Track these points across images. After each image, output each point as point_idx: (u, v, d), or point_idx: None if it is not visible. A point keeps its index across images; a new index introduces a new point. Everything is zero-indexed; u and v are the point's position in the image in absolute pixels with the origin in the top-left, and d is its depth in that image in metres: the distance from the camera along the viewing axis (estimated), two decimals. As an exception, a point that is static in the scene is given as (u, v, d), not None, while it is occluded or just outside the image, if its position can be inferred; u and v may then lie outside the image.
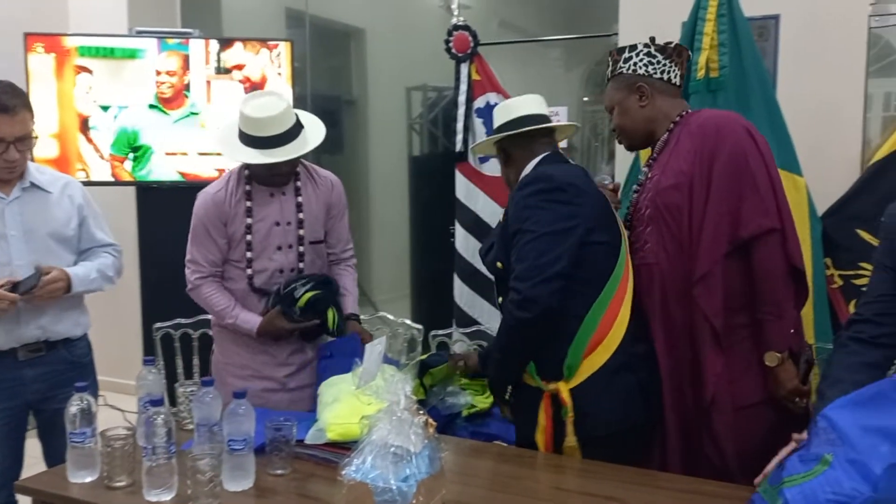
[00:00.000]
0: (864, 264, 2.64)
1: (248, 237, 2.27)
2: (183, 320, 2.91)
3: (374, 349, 1.70)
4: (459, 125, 3.27)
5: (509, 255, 1.89)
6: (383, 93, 5.53)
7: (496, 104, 3.23)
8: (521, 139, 2.03)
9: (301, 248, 2.32)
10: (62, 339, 2.30)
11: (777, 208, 1.87)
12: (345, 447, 1.71)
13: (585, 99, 4.32)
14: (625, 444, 1.89)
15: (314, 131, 2.25)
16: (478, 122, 3.28)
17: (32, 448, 2.36)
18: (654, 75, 2.04)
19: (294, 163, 2.24)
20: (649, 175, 2.04)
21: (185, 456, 1.62)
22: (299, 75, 4.98)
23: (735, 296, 1.89)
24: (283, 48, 3.63)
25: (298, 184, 2.33)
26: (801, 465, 1.39)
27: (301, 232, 2.31)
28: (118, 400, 3.75)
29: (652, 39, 2.06)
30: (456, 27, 3.27)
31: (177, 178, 3.61)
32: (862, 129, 3.02)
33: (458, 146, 3.28)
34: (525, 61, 4.52)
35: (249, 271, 2.29)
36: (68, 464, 1.72)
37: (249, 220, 2.27)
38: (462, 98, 3.26)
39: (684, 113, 2.04)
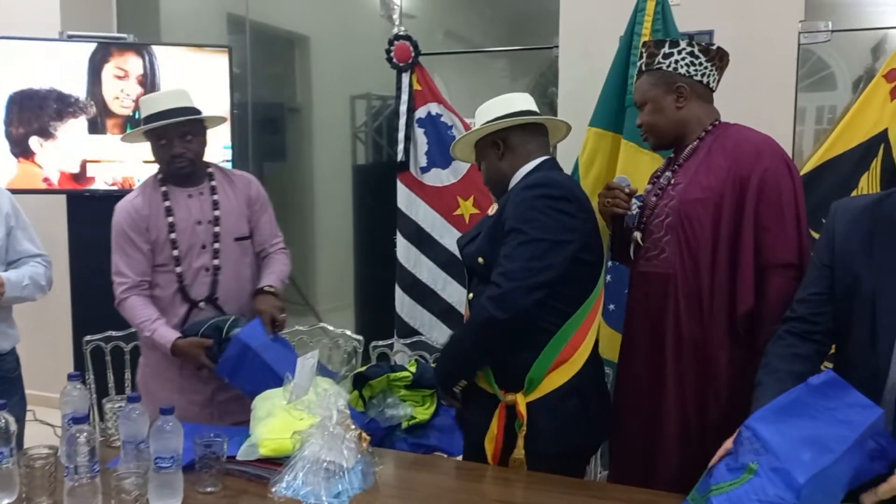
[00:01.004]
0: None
1: (173, 235, 2.27)
2: (114, 333, 2.83)
3: (306, 363, 1.68)
4: (400, 135, 3.26)
5: (495, 250, 1.83)
6: (327, 101, 5.48)
7: (438, 114, 3.27)
8: (526, 133, 1.94)
9: (216, 246, 2.31)
10: None
11: (798, 244, 1.86)
12: (278, 463, 1.68)
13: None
14: (569, 462, 1.89)
15: (212, 115, 2.30)
16: (419, 132, 3.27)
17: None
18: (695, 77, 1.98)
19: (196, 147, 2.26)
20: (672, 181, 1.99)
21: (111, 475, 1.56)
22: (240, 82, 4.92)
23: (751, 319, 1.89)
24: (222, 54, 3.56)
25: (214, 183, 2.35)
26: (728, 473, 1.42)
27: (217, 229, 2.31)
28: (49, 415, 3.62)
29: (692, 39, 2.01)
30: (397, 37, 3.26)
31: (109, 186, 3.51)
32: (793, 142, 3.10)
33: (400, 156, 3.27)
34: (472, 72, 4.54)
35: (179, 269, 2.27)
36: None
37: (171, 219, 2.27)
38: (403, 108, 3.25)
39: (717, 122, 2.00)
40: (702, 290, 1.90)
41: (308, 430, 1.50)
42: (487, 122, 1.95)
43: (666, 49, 1.98)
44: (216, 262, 2.31)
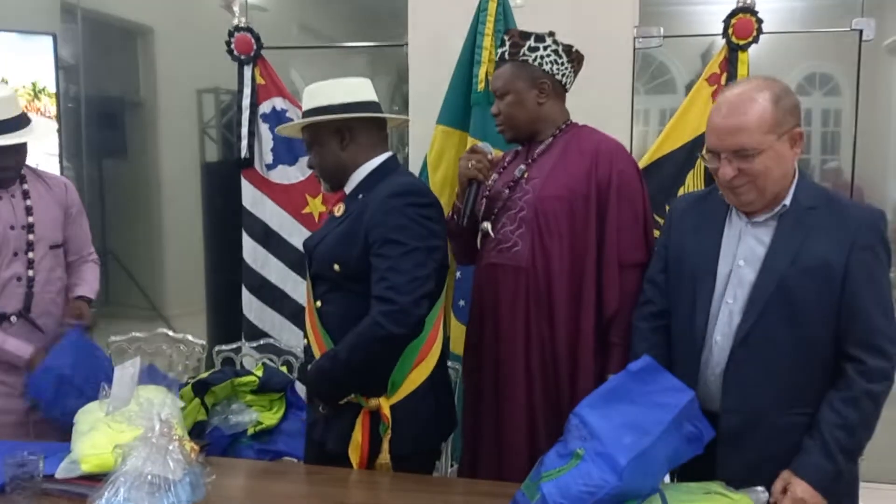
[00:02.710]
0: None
1: None
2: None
3: (125, 372, 1.57)
4: (244, 130, 3.14)
5: (351, 258, 1.78)
6: (172, 95, 5.23)
7: (283, 109, 3.18)
8: (372, 126, 1.88)
9: (30, 255, 2.15)
10: None
11: (646, 243, 1.96)
12: (102, 479, 1.56)
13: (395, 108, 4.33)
14: (426, 460, 1.90)
15: (43, 126, 2.20)
16: (264, 128, 3.17)
17: None
18: (556, 75, 2.01)
19: (22, 157, 2.12)
20: (526, 175, 2.01)
21: None
22: (73, 73, 4.59)
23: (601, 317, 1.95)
24: (47, 42, 3.30)
25: (26, 186, 2.19)
26: (558, 459, 1.47)
27: (31, 237, 2.15)
28: None
29: (552, 34, 2.03)
30: (237, 28, 3.15)
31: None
32: (630, 142, 3.26)
33: (244, 152, 3.15)
34: (330, 68, 4.46)
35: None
36: None
37: None
38: (246, 102, 3.13)
39: (568, 122, 2.06)
40: (552, 286, 1.95)
41: (130, 444, 1.41)
42: (330, 105, 1.84)
43: (532, 42, 2.01)
44: (30, 272, 2.14)
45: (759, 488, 1.50)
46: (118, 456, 1.43)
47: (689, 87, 3.24)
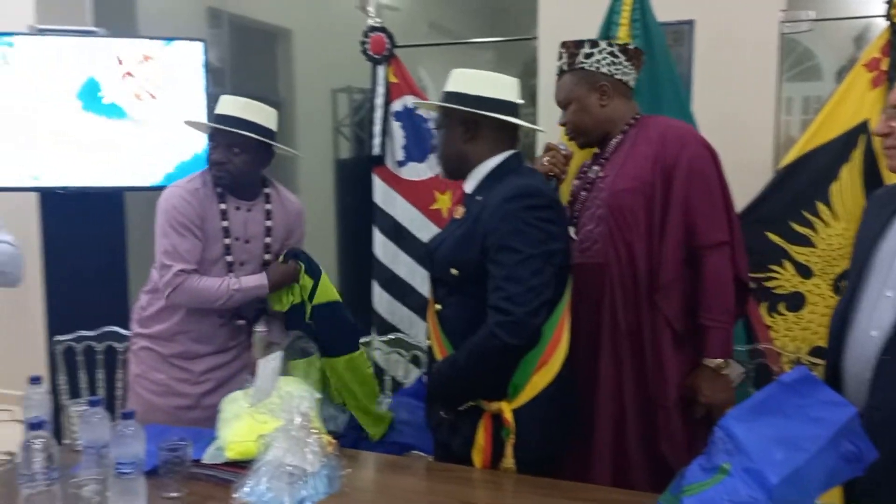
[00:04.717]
0: (774, 266, 2.69)
1: (227, 241, 2.21)
2: (86, 333, 2.77)
3: (268, 365, 1.63)
4: (376, 128, 3.21)
5: (468, 261, 1.76)
6: (309, 94, 5.43)
7: (414, 107, 3.22)
8: (501, 125, 1.83)
9: (251, 266, 2.26)
10: None
11: (728, 222, 1.95)
12: (244, 467, 1.63)
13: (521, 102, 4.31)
14: (552, 465, 1.85)
15: (269, 139, 2.20)
16: (396, 126, 3.22)
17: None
18: (616, 75, 2.05)
19: (237, 154, 2.16)
20: (601, 174, 2.05)
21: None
22: (220, 77, 4.85)
23: (689, 301, 1.96)
24: (197, 47, 3.49)
25: (269, 207, 2.28)
26: (701, 473, 1.40)
27: (256, 253, 2.27)
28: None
29: (611, 41, 2.07)
30: (372, 28, 3.21)
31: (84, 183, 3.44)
32: (773, 134, 3.08)
33: (376, 150, 3.22)
34: (458, 64, 4.49)
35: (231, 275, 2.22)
36: (-60, 493, 1.60)
37: (226, 224, 2.21)
38: (379, 101, 3.20)
39: (638, 115, 2.07)
40: (637, 278, 1.97)
41: (271, 434, 1.46)
42: (465, 94, 1.82)
43: (586, 49, 2.05)
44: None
45: None
46: (261, 446, 1.48)
47: (839, 74, 3.01)
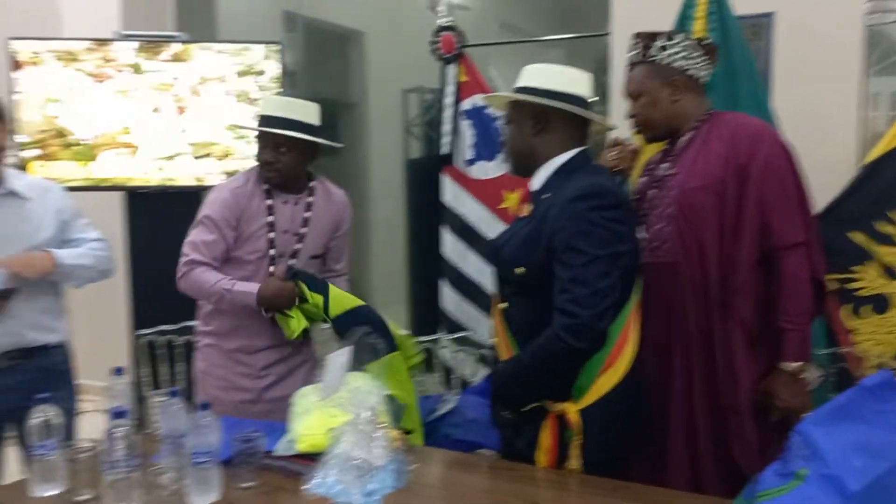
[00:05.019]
0: (855, 268, 2.58)
1: (272, 235, 2.27)
2: (167, 327, 2.88)
3: (337, 360, 1.66)
4: (446, 127, 3.23)
5: (534, 261, 1.75)
6: (380, 95, 5.50)
7: (484, 106, 3.22)
8: (572, 120, 1.81)
9: (293, 261, 2.31)
10: (38, 346, 2.26)
11: (805, 221, 1.90)
12: (315, 459, 1.67)
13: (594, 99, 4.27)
14: (621, 466, 1.82)
15: (316, 137, 2.26)
16: (465, 125, 3.23)
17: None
18: (689, 70, 2.00)
19: (284, 153, 2.22)
20: (671, 172, 2.01)
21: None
22: (294, 78, 4.96)
23: (763, 303, 1.91)
24: (273, 51, 3.58)
25: (311, 199, 2.34)
26: (777, 479, 1.36)
27: (298, 245, 2.32)
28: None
29: (686, 34, 2.04)
30: (442, 28, 3.23)
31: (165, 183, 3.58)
32: (856, 130, 2.95)
33: (445, 148, 3.24)
34: (528, 62, 4.47)
35: (271, 269, 2.29)
36: (31, 477, 1.69)
37: (271, 219, 2.27)
38: (449, 100, 3.22)
39: (710, 112, 2.03)
40: (708, 278, 1.92)
41: (341, 428, 1.49)
42: (535, 88, 1.81)
43: (661, 41, 1.99)
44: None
45: None
46: (331, 439, 1.51)
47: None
